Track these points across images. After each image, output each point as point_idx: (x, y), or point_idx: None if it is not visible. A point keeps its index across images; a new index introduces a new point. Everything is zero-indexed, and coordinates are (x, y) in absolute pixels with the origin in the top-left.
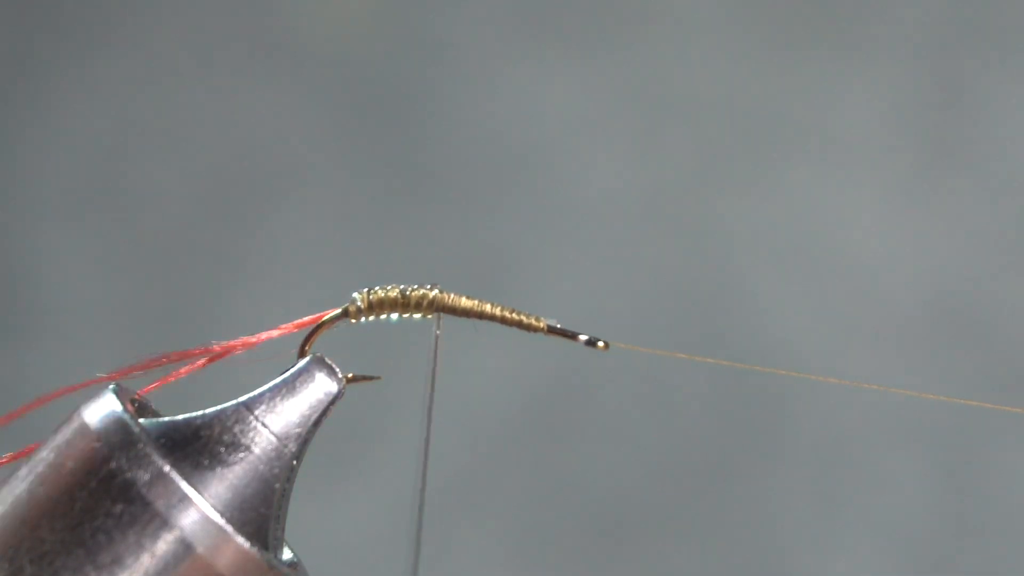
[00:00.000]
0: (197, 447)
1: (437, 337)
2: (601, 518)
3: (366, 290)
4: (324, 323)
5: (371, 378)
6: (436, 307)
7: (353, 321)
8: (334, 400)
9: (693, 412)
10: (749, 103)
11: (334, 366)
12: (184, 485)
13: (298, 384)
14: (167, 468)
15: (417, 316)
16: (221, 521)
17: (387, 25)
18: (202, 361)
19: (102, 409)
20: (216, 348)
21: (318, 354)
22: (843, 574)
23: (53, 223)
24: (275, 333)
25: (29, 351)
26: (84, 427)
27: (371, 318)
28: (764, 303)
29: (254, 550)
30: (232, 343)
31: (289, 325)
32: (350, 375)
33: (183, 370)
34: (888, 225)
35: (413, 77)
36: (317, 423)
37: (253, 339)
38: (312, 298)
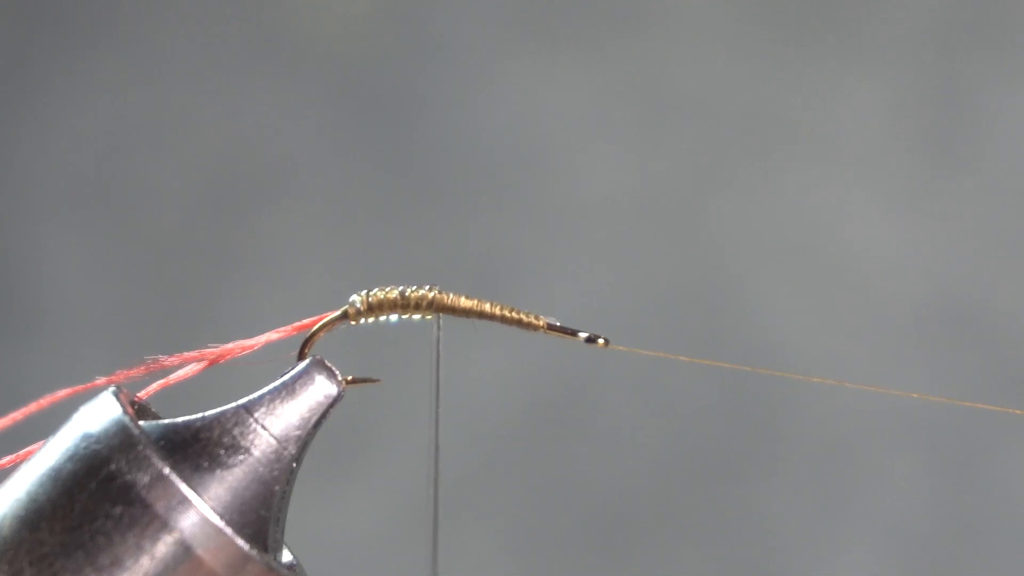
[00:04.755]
0: (197, 449)
1: (438, 338)
2: (602, 519)
3: (365, 292)
4: (324, 325)
5: (371, 380)
6: (435, 307)
7: (353, 323)
8: (334, 403)
9: (693, 413)
10: (749, 103)
11: (334, 369)
12: (184, 487)
13: (298, 387)
14: (167, 470)
15: (417, 317)
16: (220, 523)
17: (386, 25)
18: (201, 365)
19: (102, 411)
20: (215, 352)
21: (318, 356)
22: (843, 574)
23: (51, 223)
24: (274, 336)
25: (27, 351)
26: (84, 429)
27: (371, 320)
28: (764, 304)
29: (253, 552)
30: (231, 347)
31: (288, 328)
32: (349, 378)
33: (182, 374)
34: (888, 225)
35: (412, 77)
36: (317, 425)
37: (252, 342)
38: (311, 298)
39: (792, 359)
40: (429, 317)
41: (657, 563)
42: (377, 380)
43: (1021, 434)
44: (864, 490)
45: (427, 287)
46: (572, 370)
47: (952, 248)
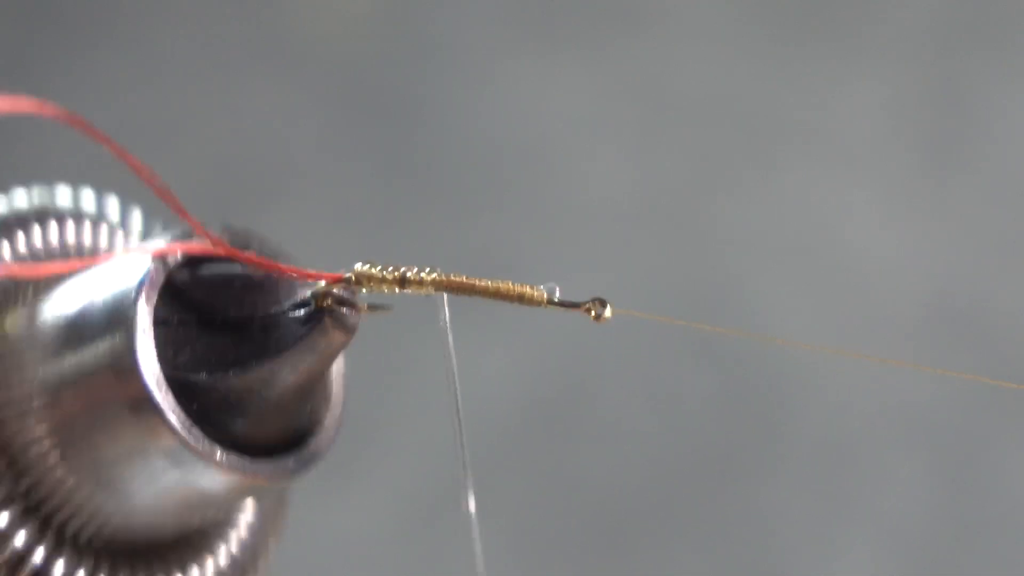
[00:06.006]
0: (228, 412)
1: (447, 321)
2: (602, 516)
3: (368, 264)
4: (328, 287)
5: (384, 308)
6: (436, 285)
7: (355, 289)
8: (348, 342)
9: (695, 411)
10: (749, 103)
11: (349, 312)
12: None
13: (314, 338)
14: (177, 419)
15: (419, 294)
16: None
17: (386, 25)
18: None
19: (131, 284)
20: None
21: (330, 305)
22: (843, 574)
23: None
24: (286, 268)
25: None
26: (115, 297)
27: (372, 288)
28: (764, 304)
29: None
30: (286, 266)
31: (293, 269)
32: (365, 306)
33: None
34: (888, 225)
35: (413, 75)
36: (332, 362)
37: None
38: None
39: (792, 358)
40: (429, 293)
41: (657, 562)
42: (389, 308)
43: (1021, 434)
44: (864, 490)
45: (427, 269)
46: (572, 368)
47: (952, 248)
